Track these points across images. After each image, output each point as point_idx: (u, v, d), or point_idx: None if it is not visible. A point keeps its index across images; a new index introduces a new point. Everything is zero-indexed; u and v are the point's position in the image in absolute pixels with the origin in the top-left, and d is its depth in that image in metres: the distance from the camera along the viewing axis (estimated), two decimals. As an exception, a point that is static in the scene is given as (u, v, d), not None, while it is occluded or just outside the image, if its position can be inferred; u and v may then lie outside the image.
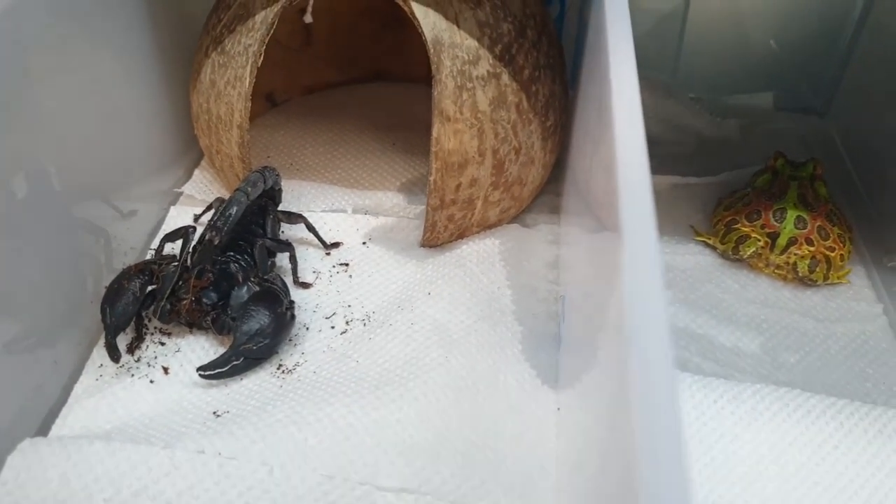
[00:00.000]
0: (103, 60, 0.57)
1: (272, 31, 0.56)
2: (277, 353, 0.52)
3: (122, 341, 0.52)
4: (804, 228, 0.60)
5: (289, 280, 0.57)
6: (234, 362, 0.50)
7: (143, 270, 0.53)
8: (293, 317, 0.52)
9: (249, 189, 0.56)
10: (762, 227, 0.61)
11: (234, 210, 0.54)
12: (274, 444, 0.44)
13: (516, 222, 0.65)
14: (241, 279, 0.54)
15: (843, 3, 0.77)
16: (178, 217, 0.65)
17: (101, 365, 0.51)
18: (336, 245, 0.62)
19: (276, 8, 0.56)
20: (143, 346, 0.53)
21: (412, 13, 0.53)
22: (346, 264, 0.60)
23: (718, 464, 0.45)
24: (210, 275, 0.53)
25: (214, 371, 0.49)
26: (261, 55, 0.57)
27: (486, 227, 0.63)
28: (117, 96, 0.59)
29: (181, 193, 0.68)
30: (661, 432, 0.19)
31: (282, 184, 0.63)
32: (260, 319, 0.50)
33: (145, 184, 0.64)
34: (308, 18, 0.59)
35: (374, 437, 0.45)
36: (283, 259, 0.59)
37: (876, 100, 0.72)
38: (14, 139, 0.46)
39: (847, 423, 0.47)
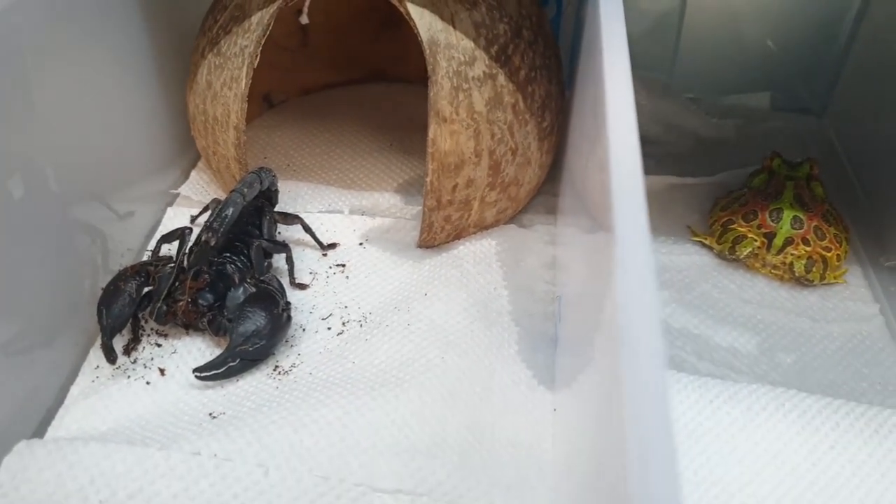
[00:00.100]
0: (100, 62, 0.57)
1: (268, 32, 0.57)
2: (274, 354, 0.52)
3: (119, 343, 0.52)
4: (801, 228, 0.60)
5: (285, 281, 0.57)
6: (231, 363, 0.50)
7: (140, 272, 0.53)
8: (289, 318, 0.52)
9: (246, 190, 0.56)
10: (759, 227, 0.61)
11: (230, 211, 0.54)
12: (270, 445, 0.44)
13: (513, 223, 0.65)
14: (237, 280, 0.54)
15: (839, 3, 0.77)
16: (175, 218, 0.65)
17: (98, 366, 0.51)
18: (333, 246, 0.62)
19: (272, 9, 0.56)
20: (140, 347, 0.53)
21: (408, 14, 0.53)
22: (343, 265, 0.60)
23: (714, 464, 0.45)
24: (206, 276, 0.53)
25: (210, 372, 0.49)
26: (257, 56, 0.57)
27: (483, 227, 0.63)
28: (114, 98, 0.59)
29: (178, 195, 0.68)
30: (652, 432, 0.19)
31: (278, 185, 0.63)
32: (256, 321, 0.50)
33: (142, 185, 0.64)
34: (304, 19, 0.60)
35: (370, 438, 0.45)
36: (279, 260, 0.59)
37: (872, 100, 0.72)
38: (11, 140, 0.46)
39: (843, 423, 0.47)
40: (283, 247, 0.58)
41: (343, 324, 0.55)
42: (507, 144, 0.57)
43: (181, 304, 0.52)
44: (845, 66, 0.78)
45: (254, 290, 0.53)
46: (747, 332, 0.56)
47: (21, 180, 0.47)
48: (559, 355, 0.52)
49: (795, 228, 0.60)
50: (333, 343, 0.53)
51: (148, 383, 0.50)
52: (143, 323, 0.54)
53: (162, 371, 0.51)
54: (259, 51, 0.57)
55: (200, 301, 0.52)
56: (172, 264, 0.54)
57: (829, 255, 0.60)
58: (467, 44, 0.54)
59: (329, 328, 0.55)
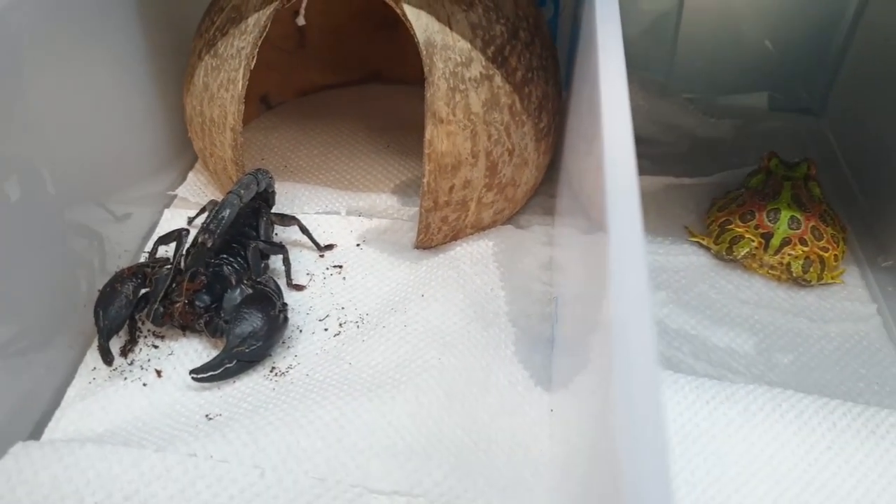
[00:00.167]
0: (97, 64, 0.57)
1: (265, 34, 0.57)
2: (270, 355, 0.52)
3: (116, 344, 0.52)
4: (798, 229, 0.60)
5: (282, 282, 0.57)
6: (227, 365, 0.50)
7: (137, 273, 0.53)
8: (286, 319, 0.52)
9: (242, 192, 0.56)
10: (756, 227, 0.61)
11: (226, 213, 0.54)
12: (266, 446, 0.44)
13: (510, 224, 0.65)
14: (234, 282, 0.54)
15: (837, 2, 0.77)
16: (172, 220, 0.65)
17: (95, 368, 0.51)
18: (330, 247, 0.62)
19: (268, 11, 0.56)
20: (137, 349, 0.52)
21: (404, 15, 0.53)
22: (340, 266, 0.60)
23: (711, 465, 0.45)
24: (203, 277, 0.53)
25: (207, 374, 0.49)
26: (253, 58, 0.57)
27: (480, 228, 0.63)
28: (112, 100, 0.59)
29: (175, 196, 0.68)
30: (643, 431, 0.19)
31: (276, 186, 0.63)
32: (253, 322, 0.50)
33: (139, 187, 0.64)
34: (301, 21, 0.60)
35: (367, 439, 0.45)
36: (276, 261, 0.59)
37: (870, 99, 0.72)
38: (8, 142, 0.46)
39: (840, 424, 0.47)
40: (280, 248, 0.58)
41: (340, 325, 0.55)
42: (503, 145, 0.57)
43: (178, 305, 0.52)
44: (843, 66, 0.78)
45: (250, 291, 0.53)
46: (744, 333, 0.55)
47: (18, 182, 0.47)
48: (556, 356, 0.52)
49: (793, 229, 0.60)
50: (330, 344, 0.53)
51: (144, 385, 0.50)
52: (139, 324, 0.54)
53: (158, 373, 0.51)
54: (255, 52, 0.57)
55: (197, 303, 0.52)
56: (169, 266, 0.54)
57: (826, 255, 0.60)
58: (464, 45, 0.54)
59: (326, 329, 0.55)
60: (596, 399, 0.31)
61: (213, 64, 0.59)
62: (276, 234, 0.63)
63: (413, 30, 0.53)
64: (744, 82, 0.83)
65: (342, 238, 0.63)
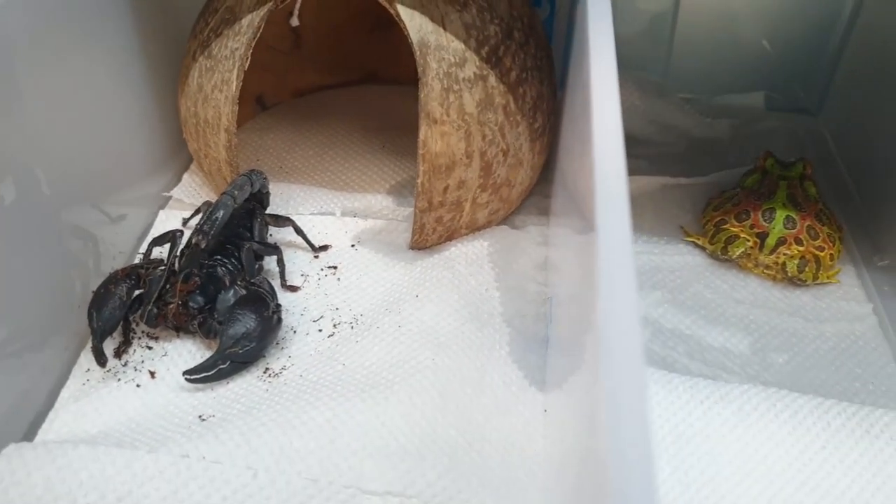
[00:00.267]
0: (92, 65, 0.56)
1: (259, 35, 0.56)
2: (264, 356, 0.52)
3: (110, 346, 0.52)
4: (793, 228, 0.60)
5: (276, 283, 0.57)
6: (221, 366, 0.49)
7: (130, 275, 0.53)
8: (280, 320, 0.52)
9: (236, 192, 0.56)
10: (751, 227, 0.61)
11: (220, 214, 0.54)
12: (259, 447, 0.44)
13: (505, 224, 0.65)
14: (228, 283, 0.54)
15: (833, 3, 0.77)
16: (167, 221, 0.65)
17: (88, 369, 0.51)
18: (324, 248, 0.62)
19: (262, 11, 0.56)
20: (131, 350, 0.52)
21: (398, 15, 0.53)
22: (335, 267, 0.60)
23: (705, 464, 0.45)
24: (197, 279, 0.53)
25: (201, 375, 0.49)
26: (247, 59, 0.57)
27: (475, 228, 0.63)
28: (106, 101, 0.59)
29: (170, 197, 0.68)
30: (628, 430, 0.19)
31: (270, 187, 0.63)
32: (246, 323, 0.50)
33: (134, 188, 0.64)
34: (294, 22, 0.60)
35: (360, 440, 0.45)
36: (270, 262, 0.59)
37: (867, 99, 0.72)
38: (2, 143, 0.46)
39: (835, 423, 0.47)
40: (275, 249, 0.58)
41: (334, 326, 0.55)
42: (498, 146, 0.57)
43: (171, 306, 0.52)
44: (840, 65, 0.78)
45: (244, 292, 0.53)
46: (739, 333, 0.55)
47: (12, 183, 0.47)
48: (550, 356, 0.52)
49: (788, 228, 0.60)
50: (324, 345, 0.53)
51: (138, 386, 0.50)
52: (133, 326, 0.53)
53: (152, 374, 0.51)
54: (249, 53, 0.57)
55: (191, 304, 0.52)
56: (163, 267, 0.54)
57: (821, 254, 0.60)
58: (458, 45, 0.54)
59: (320, 330, 0.54)
60: (586, 398, 0.31)
61: (208, 65, 0.59)
62: (271, 234, 0.62)
63: (407, 30, 0.53)
64: (740, 82, 0.83)
65: (337, 239, 0.63)
